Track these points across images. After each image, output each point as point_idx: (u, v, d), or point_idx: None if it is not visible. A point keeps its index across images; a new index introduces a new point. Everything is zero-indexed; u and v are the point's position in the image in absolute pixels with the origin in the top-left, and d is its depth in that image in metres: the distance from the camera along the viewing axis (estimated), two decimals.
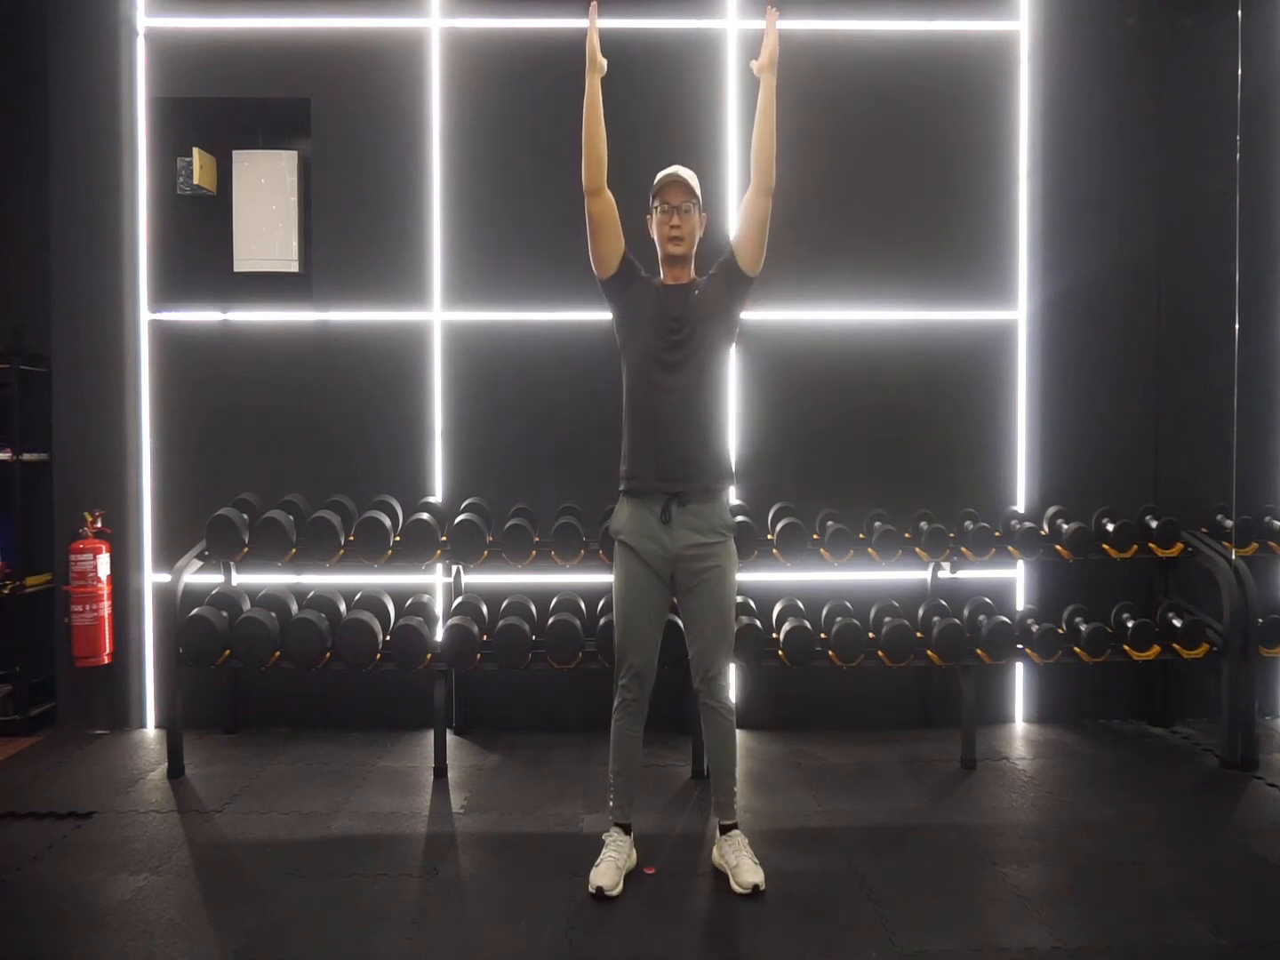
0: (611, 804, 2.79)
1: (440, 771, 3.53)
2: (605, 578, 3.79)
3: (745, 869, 2.67)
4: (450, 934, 2.46)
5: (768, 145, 2.73)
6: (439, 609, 3.98)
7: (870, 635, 3.70)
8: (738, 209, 4.02)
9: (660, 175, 2.79)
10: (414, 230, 4.08)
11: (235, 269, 4.12)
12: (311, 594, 3.77)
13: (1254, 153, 4.01)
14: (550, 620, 3.57)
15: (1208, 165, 4.11)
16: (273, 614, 3.58)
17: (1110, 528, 3.86)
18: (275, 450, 4.09)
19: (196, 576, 3.76)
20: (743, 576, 4.04)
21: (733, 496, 4.04)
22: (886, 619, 3.69)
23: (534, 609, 3.75)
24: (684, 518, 2.69)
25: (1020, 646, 3.74)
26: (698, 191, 2.77)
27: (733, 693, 2.85)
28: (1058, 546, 3.83)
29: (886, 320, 4.12)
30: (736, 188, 4.07)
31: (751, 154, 2.76)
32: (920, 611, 3.81)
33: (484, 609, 3.76)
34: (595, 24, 2.77)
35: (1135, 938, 2.44)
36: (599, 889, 2.60)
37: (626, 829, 2.79)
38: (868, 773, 3.59)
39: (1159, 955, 2.37)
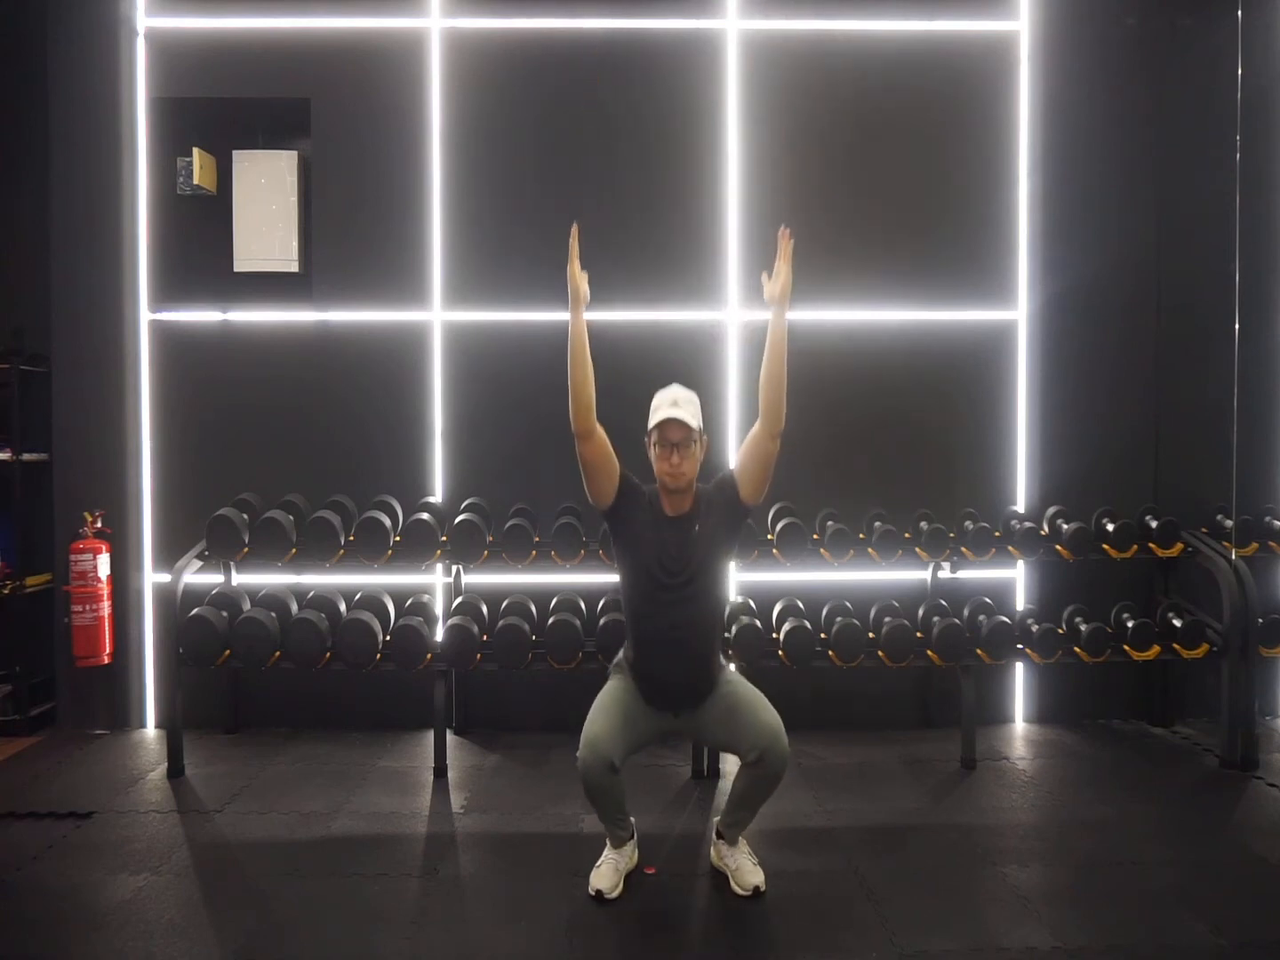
0: (607, 834, 2.74)
1: (440, 771, 3.53)
2: (605, 578, 3.80)
3: (746, 870, 2.67)
4: (450, 934, 2.46)
5: (778, 386, 2.63)
6: (439, 609, 3.98)
7: (870, 635, 3.70)
8: (740, 214, 4.04)
9: (657, 410, 2.66)
10: (414, 230, 4.08)
11: (235, 269, 4.12)
12: (311, 594, 3.76)
13: (1254, 153, 4.01)
14: (550, 620, 3.57)
15: (1208, 165, 4.11)
16: (273, 614, 3.58)
17: (1110, 528, 3.86)
18: (275, 450, 4.09)
19: (196, 576, 3.76)
20: (743, 576, 4.05)
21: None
22: (886, 619, 3.69)
23: (534, 609, 3.75)
24: (681, 715, 2.71)
25: (1020, 646, 3.74)
26: (697, 422, 2.65)
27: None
28: (1058, 546, 3.83)
29: (886, 320, 4.12)
30: (736, 189, 4.07)
31: (760, 393, 2.65)
32: (920, 611, 3.81)
33: (484, 609, 3.76)
34: (576, 252, 2.63)
35: (1135, 938, 2.44)
36: (599, 891, 2.60)
37: (627, 839, 2.78)
38: (868, 773, 3.59)
39: (1159, 955, 2.37)
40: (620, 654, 2.83)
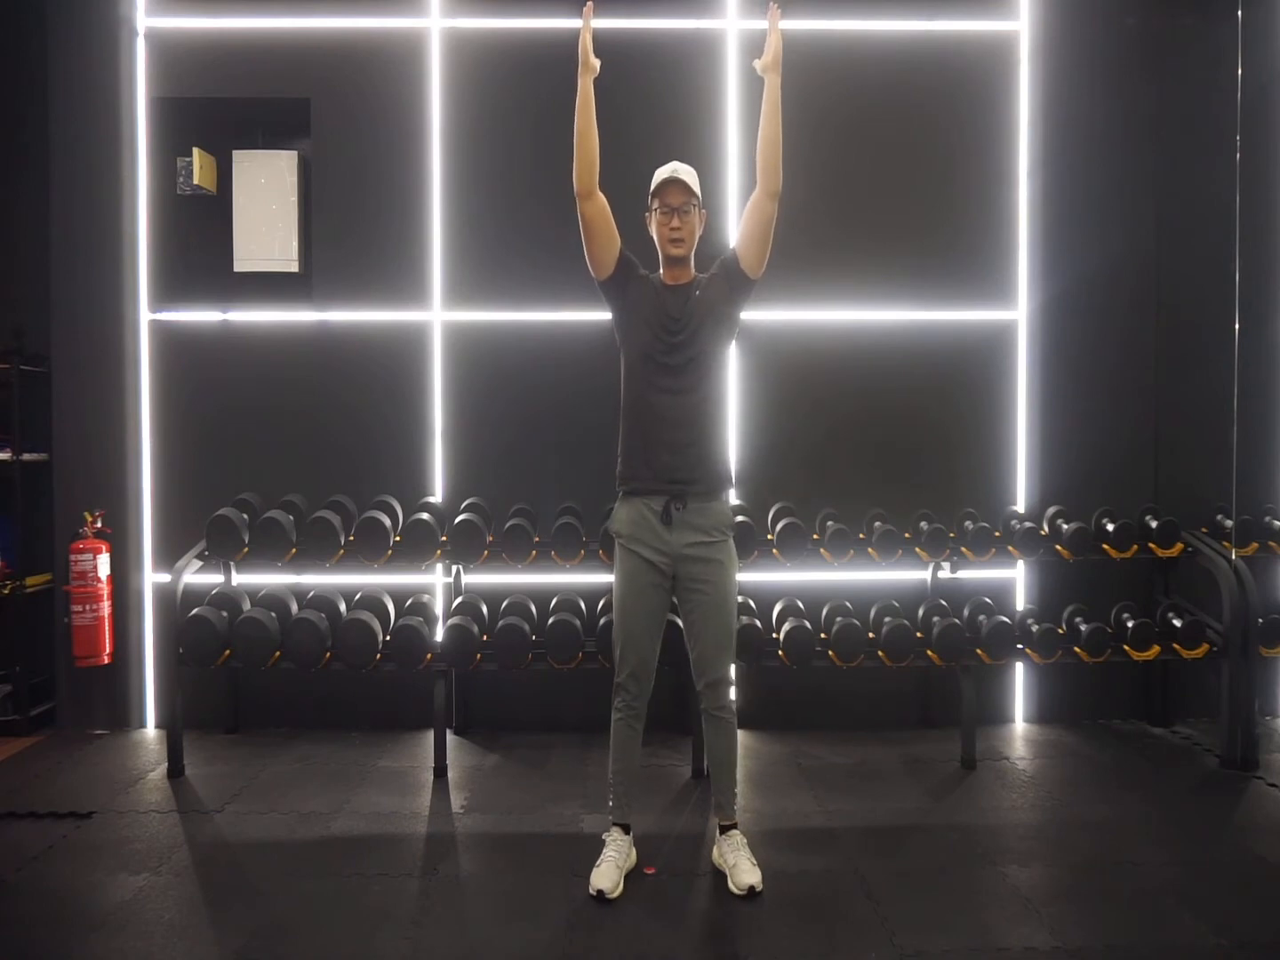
0: (611, 804, 2.79)
1: (440, 771, 3.53)
2: (605, 578, 3.80)
3: (743, 870, 2.66)
4: (450, 934, 2.46)
5: (774, 147, 2.69)
6: (439, 609, 3.98)
7: (870, 635, 3.70)
8: (740, 212, 4.04)
9: (658, 174, 2.75)
10: (414, 230, 4.08)
11: (235, 269, 4.12)
12: (311, 594, 3.77)
13: (1254, 153, 4.01)
14: (550, 620, 3.57)
15: (1208, 165, 4.11)
16: (273, 614, 3.58)
17: (1110, 528, 3.86)
18: (275, 450, 4.09)
19: (196, 576, 3.76)
20: (743, 576, 4.04)
21: (733, 497, 4.04)
22: (886, 619, 3.69)
23: (534, 609, 3.75)
24: (685, 517, 2.69)
25: (1020, 646, 3.74)
26: (697, 190, 2.73)
27: (733, 692, 2.84)
28: (1058, 546, 3.83)
29: (886, 320, 4.12)
30: (737, 190, 4.07)
31: (757, 156, 2.72)
32: (920, 611, 3.81)
33: (484, 609, 3.76)
34: (589, 24, 2.73)
35: (1135, 938, 2.44)
36: (599, 891, 2.60)
37: (626, 829, 2.79)
38: (868, 773, 3.59)
39: (1159, 955, 2.37)
40: (617, 505, 2.78)
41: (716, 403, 2.76)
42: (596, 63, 2.74)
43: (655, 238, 2.76)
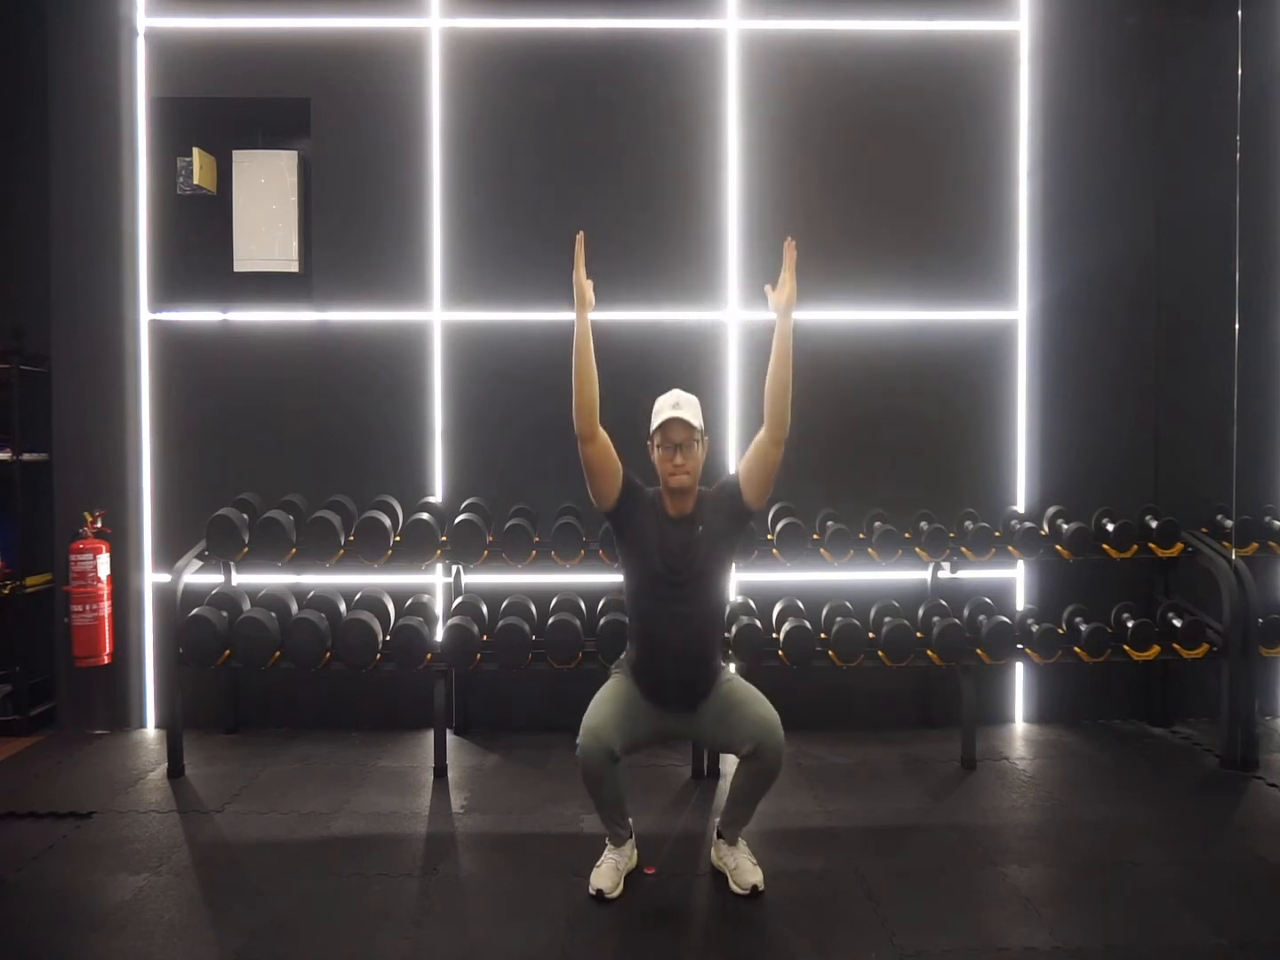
0: (606, 833, 2.75)
1: (440, 771, 3.53)
2: (605, 578, 3.80)
3: (745, 869, 2.67)
4: (450, 934, 2.46)
5: (783, 392, 2.65)
6: (439, 609, 3.98)
7: (870, 635, 3.70)
8: (739, 217, 4.04)
9: (660, 411, 2.70)
10: (414, 230, 4.08)
11: (235, 269, 4.12)
12: (311, 594, 3.76)
13: (1254, 153, 4.01)
14: (550, 620, 3.57)
15: (1208, 165, 4.11)
16: (273, 614, 3.58)
17: (1110, 528, 3.86)
18: (275, 450, 4.09)
19: (196, 576, 3.76)
20: (743, 576, 4.05)
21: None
22: (886, 619, 3.69)
23: (534, 609, 3.75)
24: (682, 715, 2.72)
25: (1020, 646, 3.74)
26: (699, 423, 2.69)
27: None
28: (1058, 546, 3.83)
29: (886, 320, 4.12)
30: (737, 190, 4.07)
31: (765, 399, 2.67)
32: (920, 611, 3.81)
33: (484, 609, 3.76)
34: (582, 259, 2.67)
35: (1135, 938, 2.44)
36: (599, 891, 2.61)
37: (627, 838, 2.78)
38: (868, 773, 3.59)
39: (1159, 955, 2.37)
40: (623, 655, 2.85)
41: (717, 618, 2.78)
42: (593, 298, 2.69)
43: (657, 469, 2.71)
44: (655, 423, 2.70)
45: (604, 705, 2.66)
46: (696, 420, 2.69)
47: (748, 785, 2.70)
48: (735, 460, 4.04)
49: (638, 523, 2.71)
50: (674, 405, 2.68)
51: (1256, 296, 4.10)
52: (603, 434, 2.66)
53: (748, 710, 2.65)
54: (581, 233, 2.67)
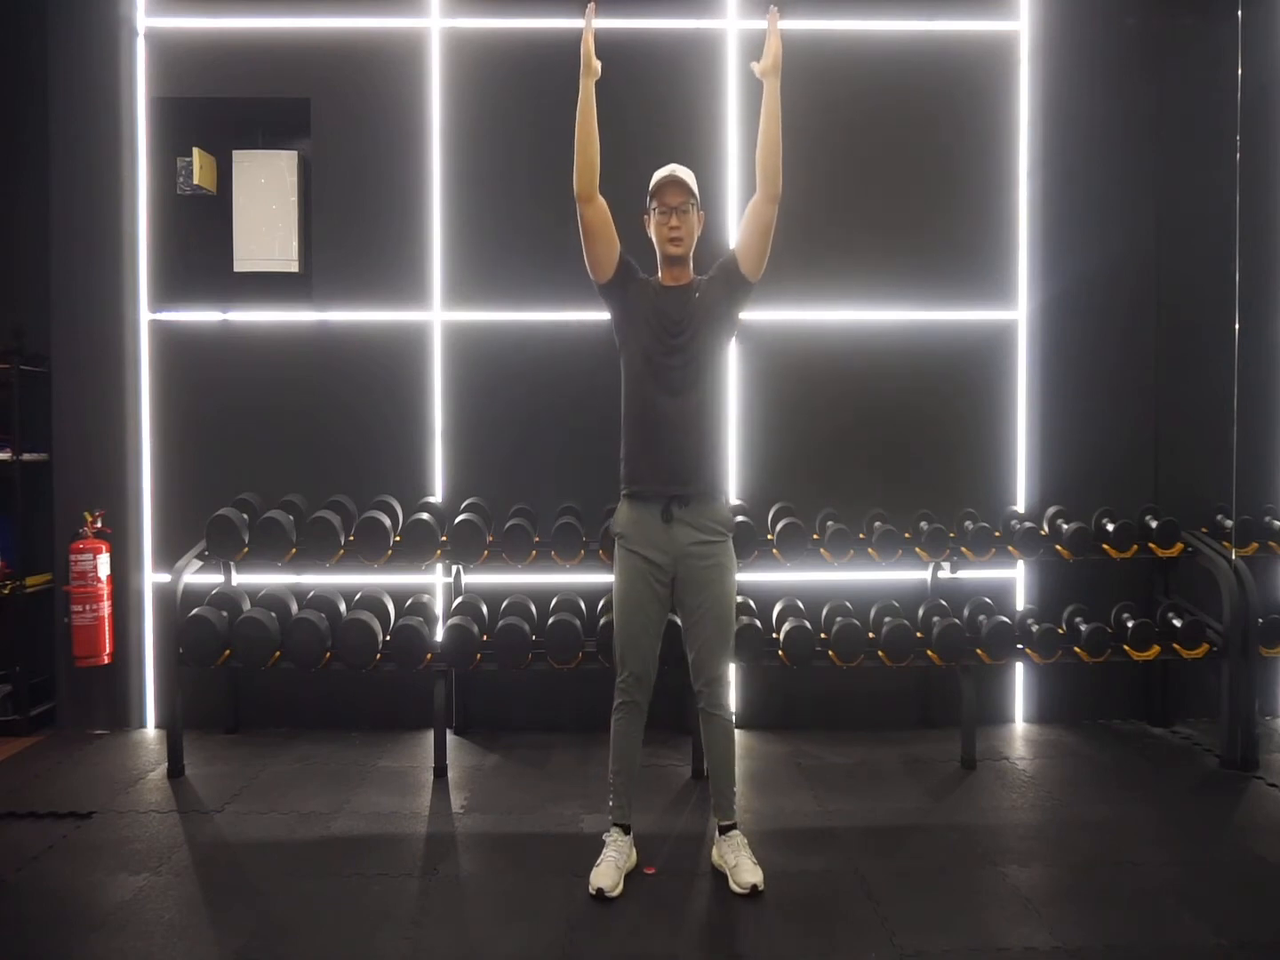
0: (611, 804, 2.79)
1: (440, 771, 3.53)
2: (605, 578, 3.79)
3: (744, 869, 2.67)
4: (450, 934, 2.46)
5: (774, 151, 2.69)
6: (439, 609, 3.98)
7: (870, 635, 3.70)
8: (740, 214, 4.04)
9: (657, 175, 2.76)
10: (414, 230, 4.08)
11: (235, 269, 4.12)
12: (311, 594, 3.77)
13: (1254, 153, 4.01)
14: (550, 620, 3.57)
15: (1208, 165, 4.11)
16: (273, 614, 3.58)
17: (1110, 528, 3.86)
18: (275, 450, 4.09)
19: (196, 576, 3.76)
20: (743, 576, 4.04)
21: (733, 496, 4.04)
22: (886, 619, 3.69)
23: (534, 609, 3.75)
24: (685, 516, 2.69)
25: (1020, 646, 3.74)
26: (695, 190, 2.74)
27: (733, 692, 2.84)
28: (1058, 546, 3.83)
29: (886, 320, 4.12)
30: (737, 190, 4.07)
31: (757, 160, 2.71)
32: (920, 611, 3.81)
33: (484, 609, 3.76)
34: (591, 26, 2.73)
35: (1135, 938, 2.44)
36: (599, 890, 2.61)
37: (626, 829, 2.79)
38: (868, 773, 3.59)
39: (1159, 955, 2.37)
40: (619, 506, 2.79)
41: (716, 403, 2.76)
42: (599, 65, 2.74)
43: (653, 238, 2.76)
44: (651, 186, 2.74)
45: (634, 621, 2.70)
46: (693, 186, 2.72)
47: (710, 737, 2.77)
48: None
49: (633, 295, 2.73)
50: (670, 169, 2.73)
51: (1256, 296, 4.10)
52: (601, 200, 2.70)
53: (705, 652, 2.72)
54: (593, 2, 2.71)
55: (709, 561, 2.71)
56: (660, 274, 2.78)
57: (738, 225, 4.04)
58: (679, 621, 2.88)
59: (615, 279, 2.74)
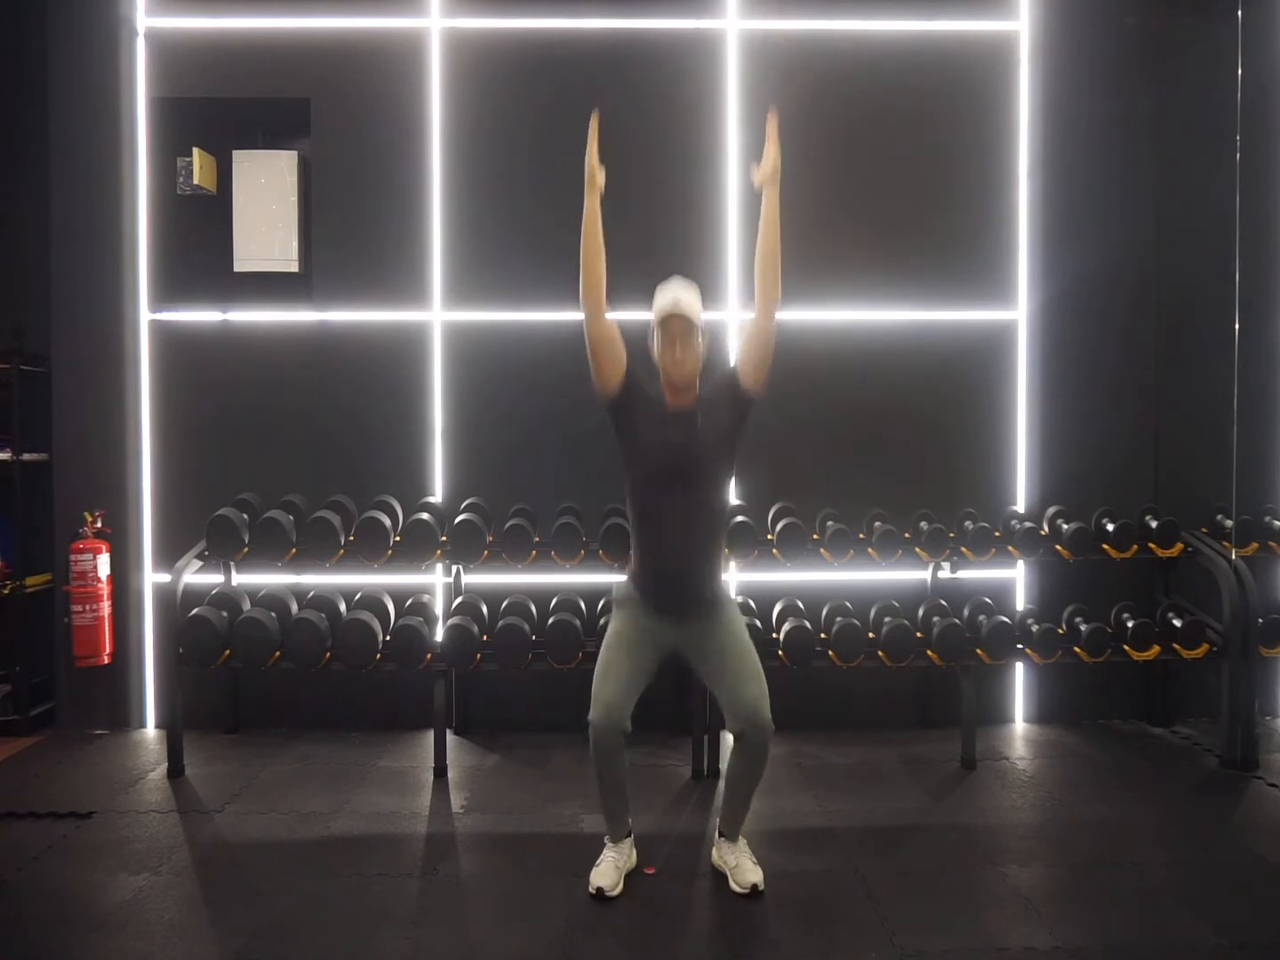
0: (606, 826, 2.75)
1: (440, 771, 3.53)
2: (605, 578, 3.80)
3: (745, 869, 2.67)
4: (450, 934, 2.46)
5: (773, 262, 2.65)
6: (439, 609, 3.98)
7: (870, 635, 3.70)
8: (740, 214, 4.04)
9: (661, 301, 2.67)
10: (414, 230, 4.08)
11: (235, 269, 4.12)
12: (311, 594, 3.77)
13: (1254, 153, 4.01)
14: (550, 620, 3.57)
15: (1208, 165, 4.11)
16: (273, 614, 3.58)
17: (1110, 528, 3.86)
18: (275, 450, 4.09)
19: (196, 576, 3.76)
20: (743, 576, 4.04)
21: (733, 497, 4.04)
22: (886, 619, 3.69)
23: (534, 609, 3.75)
24: (687, 621, 2.69)
25: (1020, 646, 3.74)
26: (699, 317, 2.67)
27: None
28: (1058, 546, 3.83)
29: (886, 320, 4.12)
30: (737, 191, 4.07)
31: (756, 270, 2.67)
32: (920, 611, 3.81)
33: (484, 609, 3.76)
34: (595, 137, 2.65)
35: (1135, 938, 2.44)
36: (599, 889, 2.61)
37: (626, 834, 2.78)
38: (868, 773, 3.59)
39: (1159, 955, 2.37)
40: (622, 581, 2.80)
41: (720, 521, 2.76)
42: (603, 179, 2.67)
43: (658, 361, 2.69)
44: (655, 315, 2.68)
45: (613, 666, 2.63)
46: (697, 312, 2.67)
47: (739, 771, 2.68)
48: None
49: (639, 415, 2.68)
50: (674, 297, 2.65)
51: (1256, 296, 4.10)
52: (610, 320, 2.64)
53: (740, 688, 2.61)
54: (597, 111, 2.65)
55: (717, 642, 2.68)
56: (664, 391, 2.71)
57: (739, 214, 4.07)
58: (699, 677, 2.85)
59: (621, 397, 2.68)
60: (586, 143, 2.64)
